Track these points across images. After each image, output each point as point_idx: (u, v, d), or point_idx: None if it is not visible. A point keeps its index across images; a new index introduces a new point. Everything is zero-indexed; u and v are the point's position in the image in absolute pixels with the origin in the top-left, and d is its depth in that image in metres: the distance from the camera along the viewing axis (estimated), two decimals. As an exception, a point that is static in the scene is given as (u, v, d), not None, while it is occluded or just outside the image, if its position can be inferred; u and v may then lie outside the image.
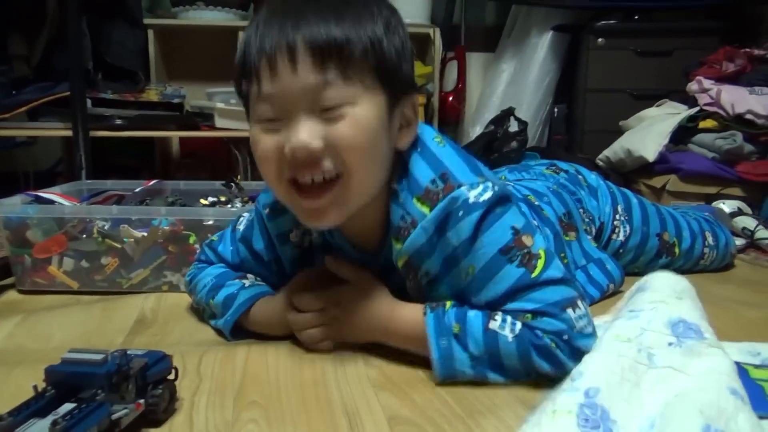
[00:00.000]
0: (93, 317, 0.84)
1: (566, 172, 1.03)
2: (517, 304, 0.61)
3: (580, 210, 0.96)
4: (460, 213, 0.61)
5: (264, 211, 0.75)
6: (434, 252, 0.64)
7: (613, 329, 0.55)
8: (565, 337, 0.58)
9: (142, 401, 0.50)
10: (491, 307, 0.62)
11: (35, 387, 0.49)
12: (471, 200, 0.61)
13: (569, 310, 0.59)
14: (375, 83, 0.59)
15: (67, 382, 0.49)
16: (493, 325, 0.60)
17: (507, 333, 0.59)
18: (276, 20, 0.58)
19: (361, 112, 0.58)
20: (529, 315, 0.59)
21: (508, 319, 0.60)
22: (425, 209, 0.62)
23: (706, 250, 1.07)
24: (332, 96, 0.57)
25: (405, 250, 0.65)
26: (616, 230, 1.00)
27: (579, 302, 0.61)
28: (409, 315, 0.65)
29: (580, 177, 1.02)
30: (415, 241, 0.63)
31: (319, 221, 0.63)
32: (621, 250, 1.01)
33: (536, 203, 0.87)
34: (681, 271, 1.05)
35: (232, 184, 1.20)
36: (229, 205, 1.12)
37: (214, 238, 0.84)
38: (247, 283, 0.77)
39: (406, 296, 0.70)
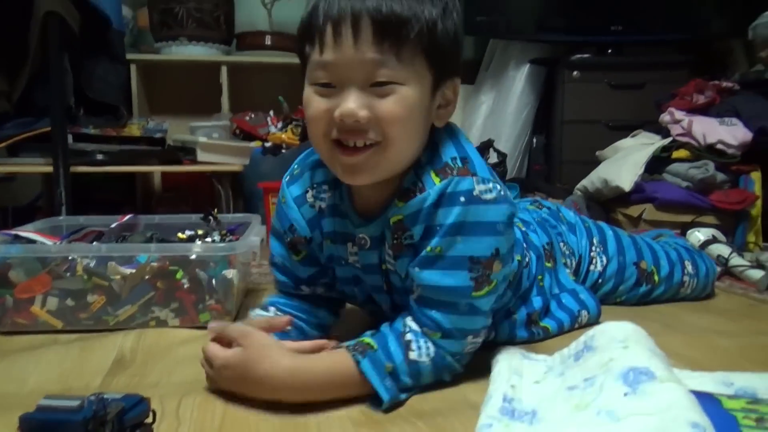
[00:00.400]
0: (70, 358, 0.83)
1: (548, 208, 1.08)
2: (439, 314, 0.67)
3: (561, 243, 1.00)
4: (462, 198, 0.66)
5: (286, 179, 0.80)
6: (424, 219, 0.68)
7: (573, 399, 0.57)
8: (458, 357, 0.70)
9: (118, 447, 0.50)
10: (422, 295, 0.68)
11: (9, 436, 0.48)
12: (475, 192, 0.66)
13: (469, 337, 0.70)
14: (424, 66, 0.65)
15: (43, 430, 0.48)
16: (413, 355, 0.67)
17: (425, 359, 0.67)
18: None
19: (407, 92, 0.64)
20: (439, 334, 0.68)
21: (422, 343, 0.68)
22: (437, 180, 0.68)
23: (686, 278, 1.10)
24: (385, 74, 0.62)
25: (404, 209, 0.69)
26: (594, 261, 1.04)
27: (482, 332, 0.71)
28: (326, 363, 0.66)
29: (560, 214, 1.07)
30: (416, 204, 0.68)
31: (354, 176, 0.68)
32: (600, 280, 1.04)
33: (523, 229, 0.92)
34: (662, 300, 1.09)
35: (210, 217, 1.21)
36: (208, 239, 1.13)
37: None
38: (252, 314, 0.79)
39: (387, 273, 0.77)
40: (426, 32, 0.63)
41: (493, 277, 0.69)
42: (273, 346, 0.66)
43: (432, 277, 0.68)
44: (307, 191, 0.78)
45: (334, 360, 0.66)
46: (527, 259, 0.87)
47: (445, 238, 0.66)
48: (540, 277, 0.90)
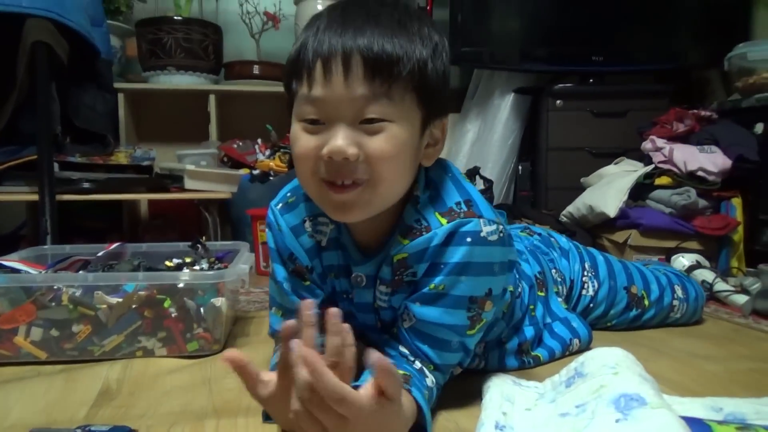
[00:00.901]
0: (55, 389, 0.81)
1: (539, 234, 1.09)
2: (431, 351, 0.69)
3: (553, 270, 1.00)
4: (468, 239, 0.66)
5: (277, 208, 0.78)
6: (429, 258, 0.68)
7: (565, 426, 0.58)
8: (442, 384, 0.72)
9: (106, 481, 0.49)
10: (416, 327, 0.69)
11: (-7, 470, 0.47)
12: (482, 234, 0.66)
13: (453, 370, 0.73)
14: (414, 104, 0.64)
15: (28, 463, 0.47)
16: (429, 382, 0.68)
17: (433, 386, 0.68)
18: (336, 29, 0.62)
19: (397, 129, 0.63)
20: (432, 367, 0.69)
21: (429, 374, 0.69)
22: (443, 221, 0.68)
23: (676, 302, 1.11)
24: (375, 110, 0.61)
25: (408, 248, 0.69)
26: (585, 286, 1.05)
27: (464, 363, 0.75)
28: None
29: (552, 239, 1.08)
30: (422, 243, 0.68)
31: (344, 214, 0.67)
32: (591, 305, 1.05)
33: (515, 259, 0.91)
34: (652, 324, 1.09)
35: (198, 244, 1.20)
36: (197, 266, 1.12)
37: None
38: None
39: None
40: (417, 71, 0.62)
41: (484, 316, 0.70)
42: (377, 411, 0.54)
43: (432, 314, 0.68)
44: (304, 221, 0.76)
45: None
46: (519, 290, 0.88)
47: (449, 277, 0.66)
48: (532, 306, 0.91)
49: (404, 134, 0.63)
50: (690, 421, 0.55)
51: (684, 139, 1.79)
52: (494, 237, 0.67)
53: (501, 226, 0.69)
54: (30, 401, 0.77)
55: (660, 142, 1.78)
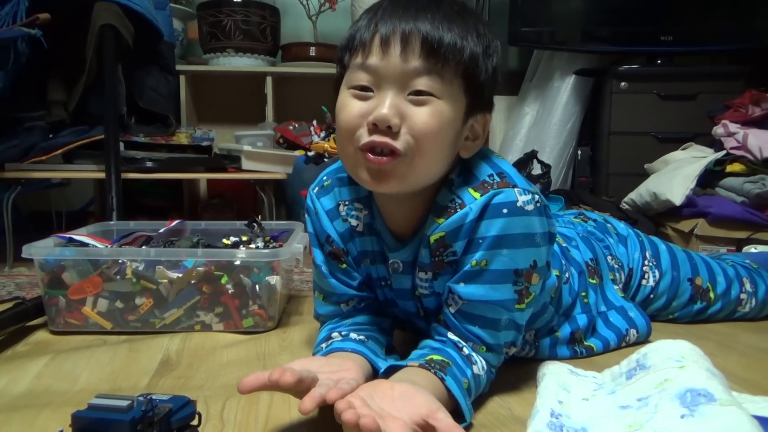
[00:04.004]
0: (119, 358, 0.85)
1: (594, 221, 1.05)
2: (481, 331, 0.68)
3: (609, 257, 0.96)
4: (504, 210, 0.65)
5: (314, 191, 0.79)
6: (466, 234, 0.67)
7: (625, 419, 0.56)
8: (497, 365, 0.71)
9: (165, 448, 0.51)
10: (463, 309, 0.68)
11: (62, 432, 0.49)
12: (518, 203, 0.65)
13: (507, 349, 0.71)
14: (461, 90, 0.66)
15: (93, 428, 0.49)
16: (476, 369, 0.67)
17: (481, 373, 0.67)
18: (397, 12, 0.64)
19: (442, 106, 0.64)
20: (484, 348, 0.68)
21: (476, 357, 0.68)
22: (476, 195, 0.67)
23: (743, 295, 1.05)
24: (425, 83, 0.63)
25: (444, 226, 0.68)
26: (646, 276, 1.00)
27: (518, 342, 0.72)
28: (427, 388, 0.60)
29: (608, 225, 1.04)
30: (458, 219, 0.67)
31: (380, 183, 0.66)
32: (652, 296, 1.01)
33: (564, 245, 0.90)
34: (718, 318, 1.04)
35: (254, 223, 1.22)
36: (252, 245, 1.14)
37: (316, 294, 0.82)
38: (324, 346, 0.74)
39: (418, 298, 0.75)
40: (468, 61, 0.64)
41: (532, 290, 0.68)
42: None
43: (477, 291, 0.67)
44: (338, 205, 0.77)
45: (425, 379, 0.61)
46: (567, 275, 0.85)
47: (489, 251, 0.65)
48: (584, 293, 0.88)
49: (449, 113, 0.64)
50: (763, 421, 0.52)
51: (760, 124, 1.68)
52: (531, 206, 0.66)
53: (537, 196, 0.67)
54: (96, 368, 0.81)
55: (733, 127, 1.68)
